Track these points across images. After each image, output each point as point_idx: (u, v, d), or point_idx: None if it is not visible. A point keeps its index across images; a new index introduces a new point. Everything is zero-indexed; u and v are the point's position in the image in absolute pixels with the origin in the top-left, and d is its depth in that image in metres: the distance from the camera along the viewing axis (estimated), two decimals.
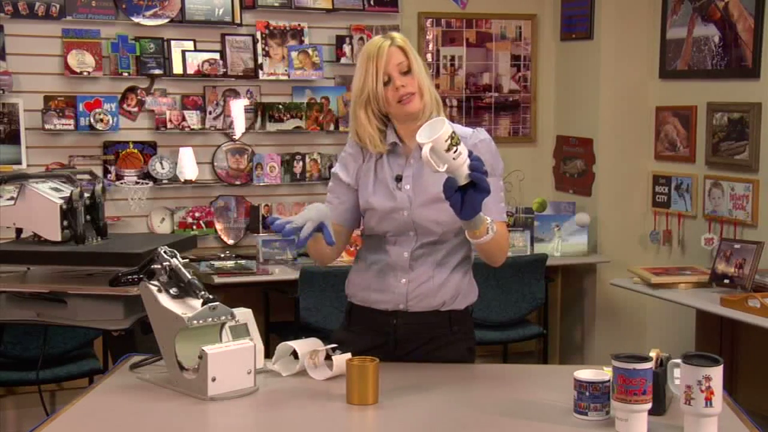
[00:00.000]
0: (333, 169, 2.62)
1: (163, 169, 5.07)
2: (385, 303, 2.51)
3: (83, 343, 4.27)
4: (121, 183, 5.01)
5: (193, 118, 5.10)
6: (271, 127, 5.23)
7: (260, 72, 5.23)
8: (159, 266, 2.32)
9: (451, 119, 5.53)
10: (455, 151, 2.09)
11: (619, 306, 5.49)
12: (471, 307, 2.59)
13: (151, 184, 5.06)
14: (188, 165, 5.07)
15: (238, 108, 5.20)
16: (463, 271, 2.54)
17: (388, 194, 2.48)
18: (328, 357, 2.35)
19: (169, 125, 5.05)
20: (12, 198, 3.32)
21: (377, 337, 2.51)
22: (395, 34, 2.49)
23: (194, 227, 5.13)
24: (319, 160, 5.34)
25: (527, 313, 5.05)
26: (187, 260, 2.38)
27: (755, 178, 4.69)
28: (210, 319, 2.24)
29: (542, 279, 5.00)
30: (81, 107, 4.87)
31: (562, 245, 5.39)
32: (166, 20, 5.03)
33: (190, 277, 2.28)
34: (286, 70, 5.27)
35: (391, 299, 2.50)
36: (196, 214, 5.16)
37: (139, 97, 5.05)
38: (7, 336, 3.99)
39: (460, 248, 2.53)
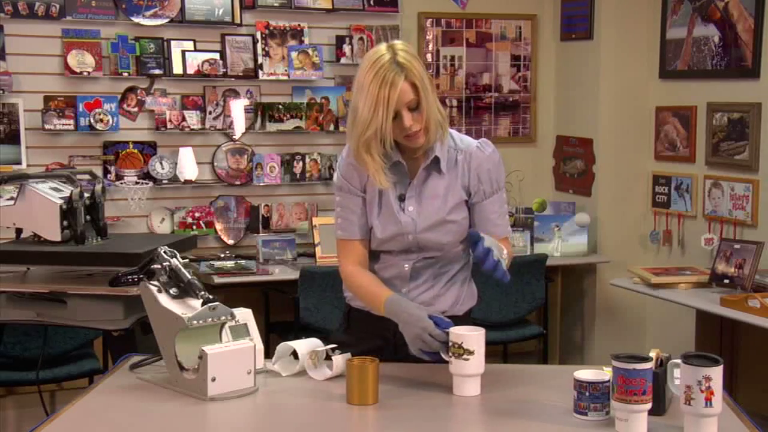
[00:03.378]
0: (336, 182, 2.49)
1: (163, 169, 5.07)
2: None
3: (83, 343, 4.27)
4: (121, 183, 5.01)
5: (193, 118, 5.10)
6: (271, 127, 5.23)
7: (260, 72, 5.23)
8: (159, 266, 2.32)
9: (451, 120, 5.57)
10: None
11: (619, 306, 5.49)
12: (471, 310, 2.58)
13: (151, 184, 5.06)
14: (188, 165, 5.07)
15: (238, 108, 5.20)
16: (462, 279, 2.53)
17: (392, 218, 2.43)
18: (328, 357, 2.35)
19: (169, 125, 5.05)
20: (12, 198, 3.33)
21: (377, 341, 2.48)
22: (402, 57, 2.28)
23: (194, 227, 5.13)
24: (319, 160, 5.34)
25: (527, 313, 5.05)
26: (187, 260, 2.38)
27: (755, 178, 4.69)
28: (210, 319, 2.24)
29: (542, 279, 5.00)
30: (81, 107, 4.87)
31: (562, 245, 5.39)
32: (166, 20, 5.03)
33: (190, 277, 2.28)
34: (286, 70, 5.27)
35: None
36: (196, 214, 5.16)
37: (139, 97, 5.05)
38: (7, 336, 3.99)
39: (460, 258, 2.52)
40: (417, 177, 2.43)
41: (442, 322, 2.24)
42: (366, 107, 2.27)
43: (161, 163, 5.07)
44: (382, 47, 2.32)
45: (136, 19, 4.96)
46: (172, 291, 2.27)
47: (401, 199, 2.43)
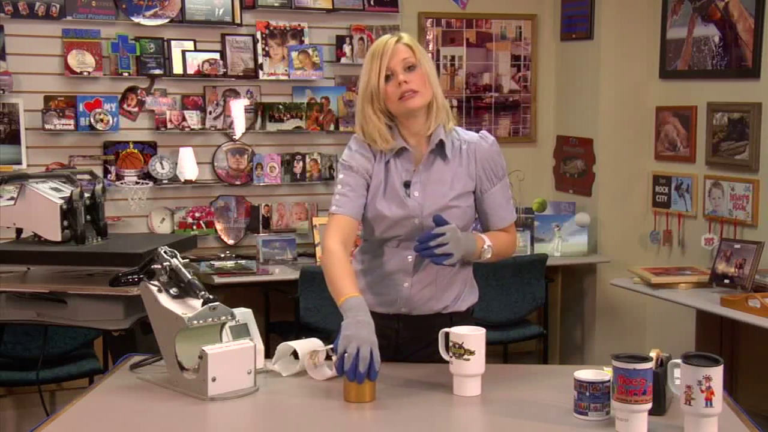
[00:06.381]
0: (344, 161, 2.52)
1: (163, 169, 5.07)
2: (387, 307, 2.50)
3: (83, 343, 4.27)
4: (121, 183, 5.01)
5: (193, 118, 5.10)
6: (271, 127, 5.23)
7: (260, 72, 5.23)
8: (159, 266, 2.32)
9: None
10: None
11: (619, 306, 5.49)
12: (472, 307, 2.59)
13: (151, 184, 5.06)
14: (188, 165, 5.07)
15: (238, 108, 5.20)
16: (464, 273, 2.54)
17: (398, 202, 2.46)
18: (328, 357, 2.35)
19: (169, 125, 5.05)
20: (12, 198, 3.33)
21: (378, 340, 2.47)
22: (404, 33, 2.49)
23: (194, 227, 5.13)
24: (319, 160, 5.34)
25: (527, 313, 5.05)
26: (187, 260, 2.38)
27: (755, 178, 4.69)
28: (210, 319, 2.24)
29: (542, 279, 5.00)
30: (81, 107, 4.87)
31: (562, 245, 5.39)
32: (166, 20, 5.03)
33: (190, 277, 2.28)
34: (286, 70, 5.27)
35: (393, 303, 2.50)
36: (196, 214, 5.16)
37: (139, 97, 5.05)
38: (7, 336, 3.99)
39: None
40: (423, 162, 2.48)
41: (441, 220, 2.35)
42: (365, 68, 2.46)
43: (161, 163, 5.07)
44: (388, 35, 2.50)
45: (136, 19, 4.96)
46: (173, 291, 2.27)
47: (407, 185, 2.47)
